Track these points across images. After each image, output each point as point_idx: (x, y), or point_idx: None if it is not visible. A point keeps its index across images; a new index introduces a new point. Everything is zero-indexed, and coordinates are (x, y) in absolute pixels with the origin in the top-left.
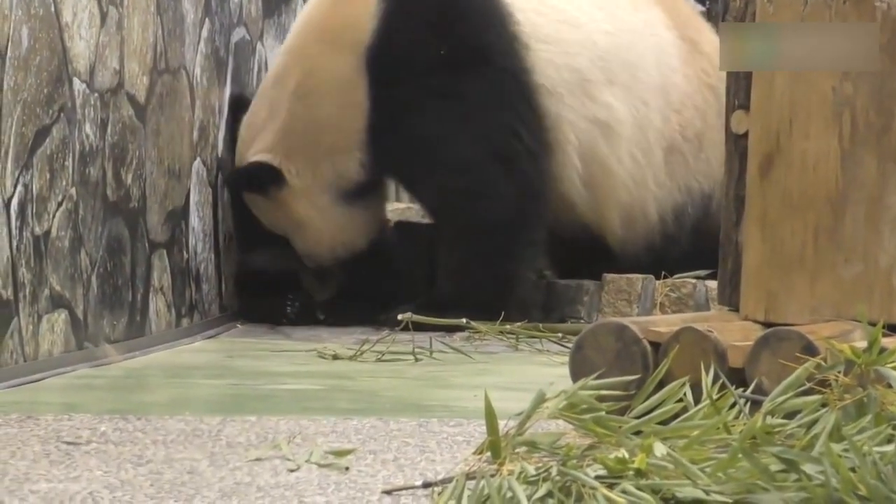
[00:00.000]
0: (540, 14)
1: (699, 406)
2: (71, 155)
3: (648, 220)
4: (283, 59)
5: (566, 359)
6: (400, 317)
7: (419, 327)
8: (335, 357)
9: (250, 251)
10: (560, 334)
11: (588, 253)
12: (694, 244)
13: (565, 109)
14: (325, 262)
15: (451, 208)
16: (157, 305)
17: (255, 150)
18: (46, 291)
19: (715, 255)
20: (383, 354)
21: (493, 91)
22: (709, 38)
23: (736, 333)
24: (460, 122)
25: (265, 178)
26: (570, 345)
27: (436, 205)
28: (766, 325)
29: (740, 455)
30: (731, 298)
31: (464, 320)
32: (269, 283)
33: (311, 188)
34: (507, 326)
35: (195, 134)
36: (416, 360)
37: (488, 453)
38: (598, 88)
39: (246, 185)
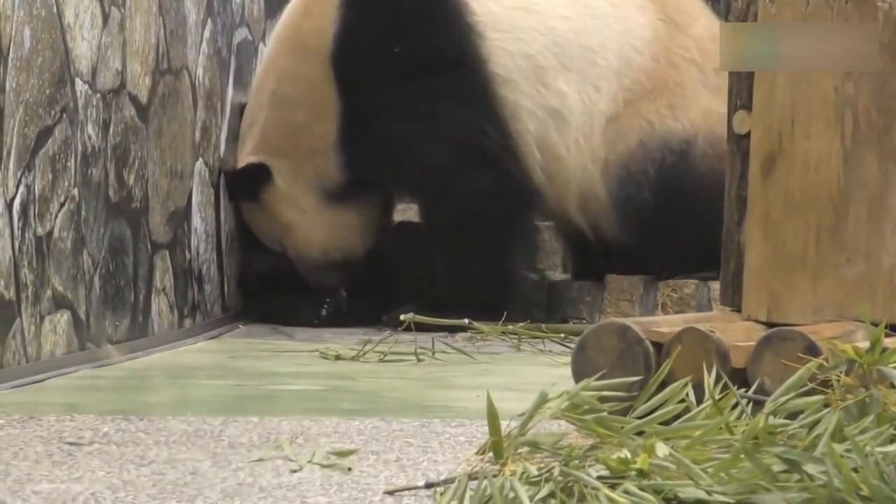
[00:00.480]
0: (496, 2)
1: (701, 406)
2: (73, 155)
3: (599, 200)
4: (260, 67)
5: (568, 359)
6: (402, 317)
7: (421, 327)
8: (338, 357)
9: (260, 251)
10: (562, 335)
11: (568, 244)
12: (664, 193)
13: (522, 98)
14: (320, 265)
15: (431, 208)
16: (160, 306)
17: (244, 154)
18: (49, 292)
19: (691, 197)
20: (385, 355)
21: (454, 86)
22: (703, 23)
23: (738, 334)
24: (427, 121)
25: (257, 177)
26: (572, 345)
27: (418, 204)
28: (769, 325)
29: (743, 455)
30: (733, 299)
31: (466, 321)
32: (279, 283)
33: (296, 190)
34: (510, 327)
35: (197, 134)
36: (419, 360)
37: (490, 454)
38: (552, 75)
39: (239, 187)
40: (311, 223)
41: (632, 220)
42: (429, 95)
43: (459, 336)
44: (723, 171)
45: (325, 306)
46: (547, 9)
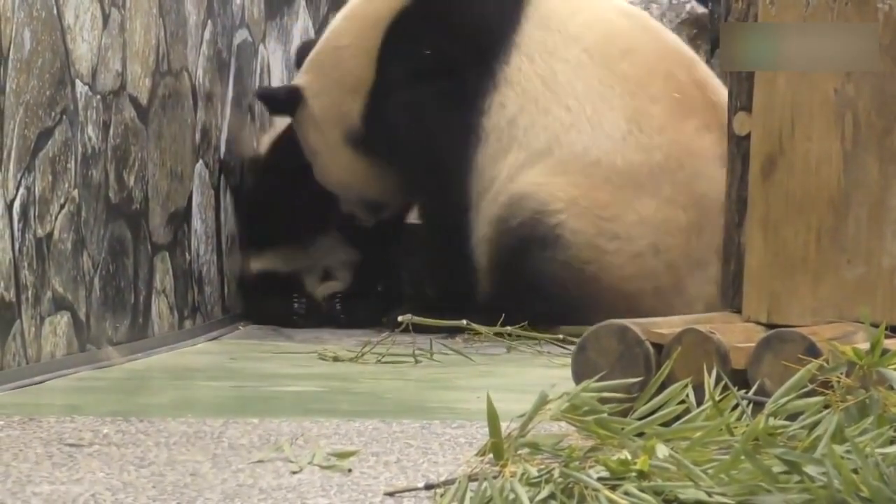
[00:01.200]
0: (528, 59)
1: (702, 408)
2: (73, 157)
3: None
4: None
5: (568, 361)
6: (400, 318)
7: (420, 329)
8: (336, 359)
9: (257, 253)
10: (561, 336)
11: None
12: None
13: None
14: (342, 197)
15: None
16: (160, 307)
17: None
18: (49, 293)
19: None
20: (383, 356)
21: (462, 96)
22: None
23: (738, 335)
24: (427, 122)
25: (286, 98)
26: (571, 347)
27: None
28: (769, 326)
29: (743, 457)
30: (733, 300)
31: (464, 322)
32: (275, 284)
33: (325, 118)
34: (507, 329)
35: (197, 136)
36: (416, 362)
37: (490, 455)
38: (514, 154)
39: (272, 104)
40: (332, 156)
41: None
42: (436, 98)
43: (459, 337)
44: None
45: (296, 303)
46: (561, 93)
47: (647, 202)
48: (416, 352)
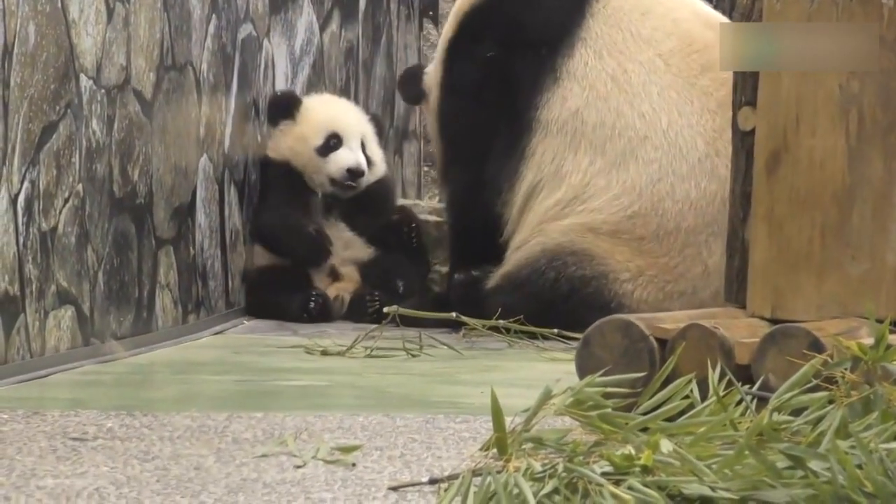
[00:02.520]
0: (597, 55)
1: (706, 403)
2: (77, 151)
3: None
4: None
5: (571, 356)
6: (385, 309)
7: (419, 323)
8: (324, 353)
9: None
10: (555, 331)
11: None
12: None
13: (547, 153)
14: None
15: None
16: (164, 302)
17: None
18: (53, 287)
19: None
20: (372, 350)
21: (505, 101)
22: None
23: (742, 330)
24: (469, 116)
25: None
26: (572, 342)
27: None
28: (773, 321)
29: (747, 452)
30: (737, 295)
31: (453, 315)
32: (284, 280)
33: (433, 107)
34: (502, 322)
35: (202, 130)
36: (412, 356)
37: (494, 450)
38: (583, 149)
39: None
40: (436, 145)
41: None
42: (487, 103)
43: (462, 332)
44: None
45: (313, 301)
46: (635, 92)
47: (714, 245)
48: (407, 346)
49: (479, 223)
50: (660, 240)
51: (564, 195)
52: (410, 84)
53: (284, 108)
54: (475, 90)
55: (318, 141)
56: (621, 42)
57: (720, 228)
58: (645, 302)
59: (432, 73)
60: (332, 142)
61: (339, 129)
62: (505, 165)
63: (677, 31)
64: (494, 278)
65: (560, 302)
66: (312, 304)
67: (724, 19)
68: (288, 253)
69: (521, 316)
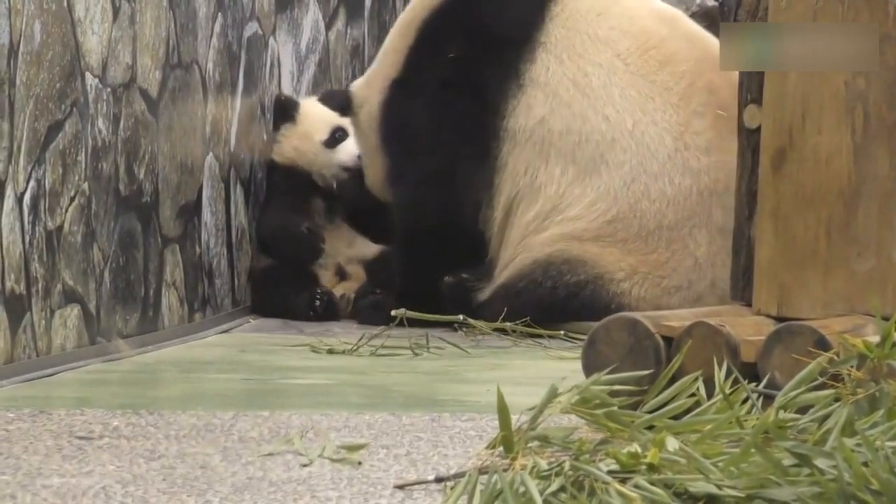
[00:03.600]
0: (559, 61)
1: (712, 401)
2: (83, 150)
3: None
4: None
5: (577, 354)
6: (394, 312)
7: (425, 322)
8: (330, 351)
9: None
10: (562, 333)
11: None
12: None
13: (519, 162)
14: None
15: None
16: (170, 300)
17: None
18: (59, 286)
19: None
20: (377, 349)
21: (471, 108)
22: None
23: (748, 328)
24: (433, 126)
25: (340, 102)
26: (577, 341)
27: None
28: (779, 319)
29: (753, 450)
30: (743, 293)
31: (461, 317)
32: (290, 279)
33: (367, 121)
34: (507, 325)
35: (207, 129)
36: (415, 354)
37: (501, 448)
38: (555, 159)
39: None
40: (371, 160)
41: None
42: (450, 105)
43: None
44: None
45: (318, 299)
46: (597, 96)
47: (699, 237)
48: (413, 345)
49: (444, 231)
50: (644, 239)
51: (542, 207)
52: (336, 98)
53: (283, 112)
54: (439, 94)
55: (324, 135)
56: (580, 45)
57: (701, 220)
58: (643, 299)
59: (371, 84)
60: (338, 134)
61: (343, 123)
62: (476, 176)
63: (633, 28)
64: (486, 292)
65: (559, 309)
66: (318, 303)
67: (680, 13)
68: (280, 253)
69: (528, 318)
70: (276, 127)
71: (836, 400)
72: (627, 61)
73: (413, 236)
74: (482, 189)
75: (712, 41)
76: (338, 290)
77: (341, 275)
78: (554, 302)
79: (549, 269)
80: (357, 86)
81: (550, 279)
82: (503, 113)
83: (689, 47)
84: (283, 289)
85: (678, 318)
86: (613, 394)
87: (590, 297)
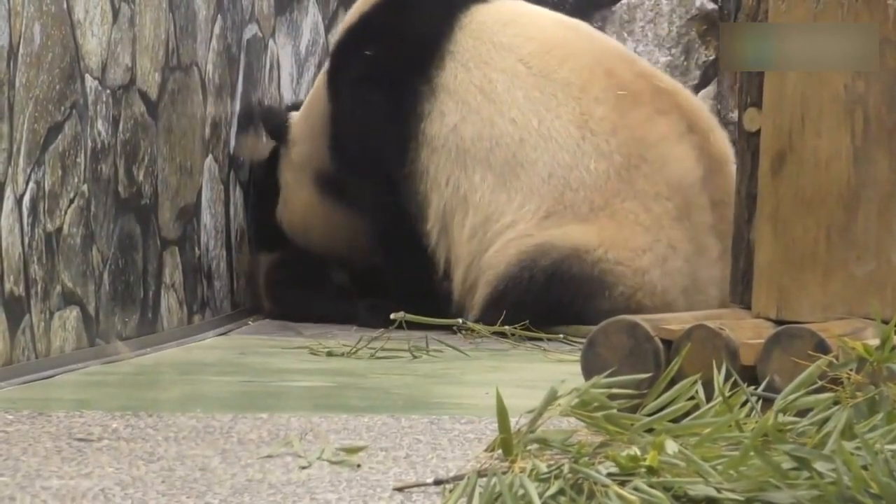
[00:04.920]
0: (465, 69)
1: (711, 404)
2: (83, 152)
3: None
4: None
5: (576, 357)
6: (393, 316)
7: (425, 325)
8: (329, 354)
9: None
10: (561, 336)
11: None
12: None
13: (440, 171)
14: (303, 245)
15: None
16: (169, 302)
17: None
18: (58, 288)
19: None
20: (376, 352)
21: (393, 117)
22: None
23: (748, 331)
24: (361, 137)
25: (276, 121)
26: (576, 344)
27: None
28: (778, 322)
29: (752, 453)
30: (742, 296)
31: (460, 320)
32: (299, 275)
33: (300, 158)
34: (506, 328)
35: (207, 131)
36: (414, 357)
37: (500, 451)
38: (472, 166)
39: (266, 125)
40: (297, 199)
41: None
42: (369, 101)
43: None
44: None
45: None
46: (502, 101)
47: (633, 207)
48: (413, 347)
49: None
50: (587, 220)
51: (475, 218)
52: (272, 118)
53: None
54: (358, 89)
55: None
56: (485, 53)
57: (627, 194)
58: (620, 263)
59: (310, 114)
60: None
61: None
62: (403, 181)
63: (538, 35)
64: (473, 310)
65: (544, 293)
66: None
67: (582, 22)
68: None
69: (526, 320)
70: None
71: (836, 403)
72: (529, 64)
73: (387, 239)
74: (412, 196)
75: (611, 39)
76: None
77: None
78: (538, 290)
79: (521, 262)
80: (294, 119)
81: (527, 270)
82: (420, 116)
83: (589, 44)
84: (303, 286)
85: (678, 321)
86: (613, 397)
87: (569, 271)
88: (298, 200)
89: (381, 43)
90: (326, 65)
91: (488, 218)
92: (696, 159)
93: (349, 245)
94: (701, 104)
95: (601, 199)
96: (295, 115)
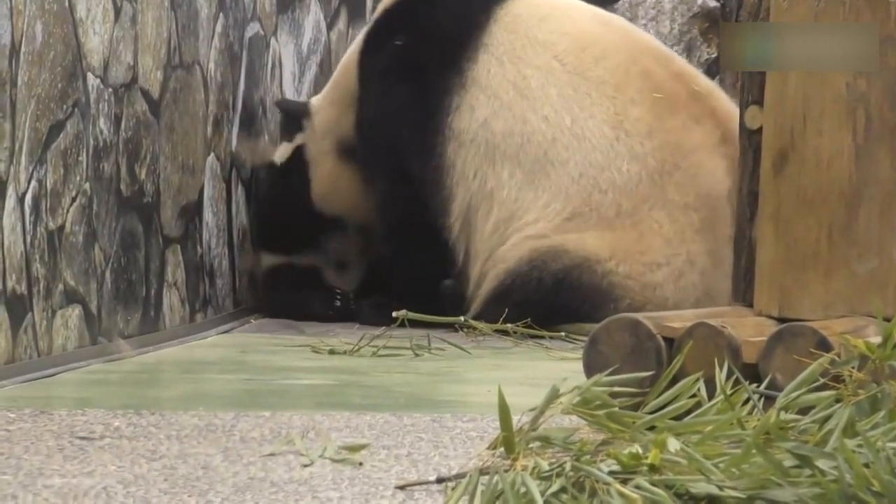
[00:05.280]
0: (499, 63)
1: (713, 402)
2: (85, 150)
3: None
4: None
5: (578, 355)
6: (395, 313)
7: (427, 323)
8: (332, 352)
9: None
10: (563, 334)
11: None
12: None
13: (468, 164)
14: (331, 216)
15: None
16: (171, 300)
17: None
18: (60, 286)
19: None
20: (378, 350)
21: (418, 112)
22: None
23: (750, 329)
24: (387, 127)
25: (297, 111)
26: (578, 342)
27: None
28: (780, 320)
29: (754, 451)
30: (744, 294)
31: (461, 318)
32: (294, 278)
33: (323, 126)
34: (508, 326)
35: (209, 129)
36: (416, 355)
37: (502, 448)
38: (500, 161)
39: (283, 121)
40: (322, 164)
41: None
42: (396, 94)
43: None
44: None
45: (338, 298)
46: (535, 97)
47: (659, 217)
48: (415, 345)
49: (422, 229)
50: (610, 226)
51: (500, 215)
52: (292, 104)
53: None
54: (385, 82)
55: None
56: (520, 48)
57: (656, 201)
58: (630, 276)
59: (336, 86)
60: None
61: None
62: (427, 173)
63: (573, 31)
64: (476, 302)
65: (552, 297)
66: (338, 303)
67: (617, 16)
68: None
69: (528, 319)
70: (291, 134)
71: (838, 401)
72: (564, 61)
73: (397, 235)
74: (436, 190)
75: (649, 35)
76: (343, 288)
77: (343, 271)
78: (545, 293)
79: (533, 261)
80: (315, 98)
81: (537, 270)
82: (448, 109)
83: (623, 41)
84: (298, 289)
85: (680, 319)
86: (615, 395)
87: (578, 280)
88: (324, 169)
89: (414, 32)
90: (359, 41)
91: (513, 214)
92: (726, 171)
93: (364, 210)
94: (735, 109)
95: (629, 203)
96: (313, 102)
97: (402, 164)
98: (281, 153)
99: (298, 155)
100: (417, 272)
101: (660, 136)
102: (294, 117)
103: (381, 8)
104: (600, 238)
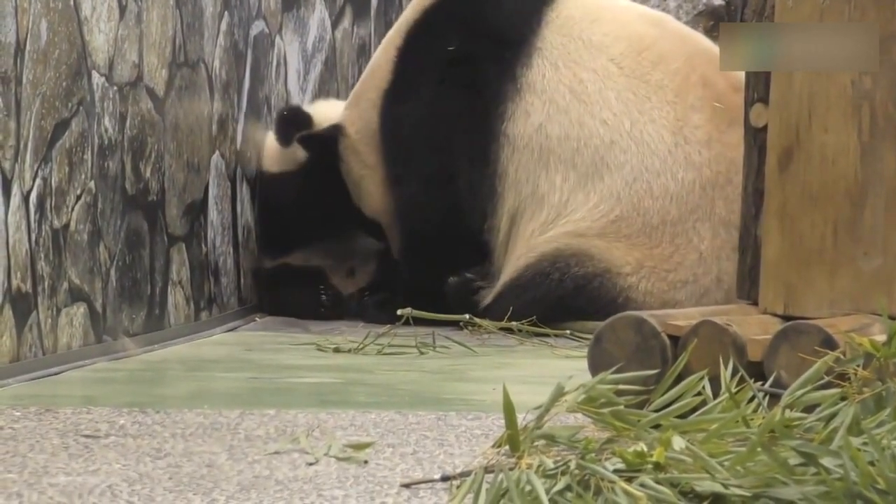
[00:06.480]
0: (554, 68)
1: (718, 400)
2: (90, 148)
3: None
4: None
5: (583, 353)
6: (400, 312)
7: (431, 321)
8: (336, 350)
9: (282, 250)
10: (568, 332)
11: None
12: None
13: (520, 169)
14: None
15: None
16: (176, 299)
17: None
18: (65, 285)
19: None
20: (384, 348)
21: (471, 114)
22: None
23: (755, 327)
24: (431, 128)
25: (328, 135)
26: (583, 340)
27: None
28: (785, 318)
29: (759, 449)
30: (749, 292)
31: (466, 316)
32: (298, 278)
33: (362, 139)
34: (513, 324)
35: (214, 127)
36: (421, 353)
37: (507, 447)
38: (555, 165)
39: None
40: (371, 177)
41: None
42: (449, 102)
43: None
44: None
45: (324, 295)
46: (593, 101)
47: (702, 230)
48: (419, 344)
49: (448, 232)
50: (648, 235)
51: (547, 217)
52: (328, 132)
53: (296, 124)
54: (437, 90)
55: None
56: (574, 51)
57: (704, 214)
58: (650, 293)
59: (360, 101)
60: None
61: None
62: (478, 181)
63: (626, 33)
64: (492, 292)
65: (568, 300)
66: (324, 298)
67: (666, 15)
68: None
69: (534, 317)
70: (289, 140)
71: (843, 399)
72: (621, 65)
73: (418, 236)
74: (486, 197)
75: (702, 38)
76: (349, 289)
77: (351, 274)
78: (562, 295)
79: (556, 261)
80: (343, 116)
81: (558, 270)
82: (502, 116)
83: (680, 45)
84: (291, 288)
85: (684, 317)
86: (619, 393)
87: (597, 291)
88: (374, 186)
89: (464, 36)
90: (395, 38)
91: (560, 215)
92: None
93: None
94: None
95: (677, 212)
96: (342, 106)
97: (446, 167)
98: (285, 160)
99: (314, 161)
100: (439, 276)
101: (718, 147)
102: (324, 145)
103: (418, 7)
104: (628, 250)
